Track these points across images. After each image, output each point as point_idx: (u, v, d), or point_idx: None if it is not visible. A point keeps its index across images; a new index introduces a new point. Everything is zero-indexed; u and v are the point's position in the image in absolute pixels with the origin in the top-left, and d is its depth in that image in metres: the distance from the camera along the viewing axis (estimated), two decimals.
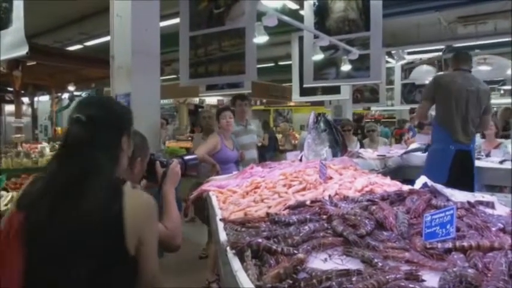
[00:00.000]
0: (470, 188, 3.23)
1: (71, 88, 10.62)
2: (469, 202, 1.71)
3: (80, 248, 1.15)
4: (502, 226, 1.42)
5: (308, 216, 1.61)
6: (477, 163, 4.18)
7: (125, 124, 1.40)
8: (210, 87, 7.15)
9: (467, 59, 3.80)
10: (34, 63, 7.78)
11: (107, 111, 1.36)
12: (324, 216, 1.61)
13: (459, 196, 1.88)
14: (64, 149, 1.28)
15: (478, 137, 5.61)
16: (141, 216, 1.24)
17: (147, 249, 1.25)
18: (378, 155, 4.31)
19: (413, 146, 4.77)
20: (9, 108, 11.38)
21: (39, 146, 7.09)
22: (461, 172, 3.47)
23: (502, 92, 13.31)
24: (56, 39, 9.00)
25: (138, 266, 1.23)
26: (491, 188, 3.82)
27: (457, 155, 3.54)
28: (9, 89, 10.18)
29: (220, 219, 1.76)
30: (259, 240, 1.33)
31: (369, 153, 4.47)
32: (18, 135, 7.16)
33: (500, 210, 1.75)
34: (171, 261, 4.43)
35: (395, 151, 4.68)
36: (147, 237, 1.25)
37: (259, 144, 7.57)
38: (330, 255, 1.31)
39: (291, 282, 1.10)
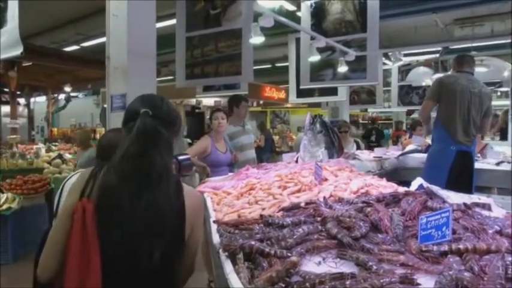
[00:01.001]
0: (469, 189, 3.24)
1: (67, 89, 10.60)
2: (465, 204, 1.68)
3: (155, 235, 1.27)
4: (498, 228, 1.40)
5: (302, 218, 1.58)
6: (476, 165, 4.19)
7: (178, 124, 1.48)
8: (207, 89, 7.14)
9: (470, 61, 3.83)
10: (30, 63, 7.76)
11: (167, 110, 1.43)
12: (319, 218, 1.59)
13: (455, 198, 1.86)
14: (134, 142, 1.30)
15: None
16: (195, 209, 1.40)
17: (195, 237, 1.42)
18: (374, 157, 4.30)
19: (409, 147, 4.76)
20: (6, 109, 11.32)
21: (34, 146, 7.06)
22: (461, 173, 3.49)
23: (498, 93, 13.32)
24: (53, 39, 8.96)
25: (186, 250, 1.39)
26: (487, 190, 3.82)
27: (458, 155, 3.55)
28: (5, 89, 10.14)
29: (214, 221, 1.74)
30: (252, 242, 1.31)
31: (365, 154, 4.46)
32: (14, 136, 7.12)
33: (497, 212, 1.73)
34: None
35: (392, 153, 4.67)
36: (197, 226, 1.42)
37: (255, 145, 7.55)
38: (323, 258, 1.28)
39: (283, 285, 1.08)
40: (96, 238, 1.22)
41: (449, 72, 9.01)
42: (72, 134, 9.17)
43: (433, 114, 3.92)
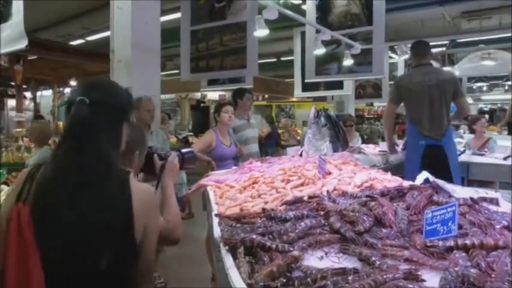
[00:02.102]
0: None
1: (72, 83, 10.61)
2: (471, 198, 1.65)
3: (99, 238, 1.13)
4: (506, 224, 1.37)
5: (305, 212, 1.56)
6: (482, 159, 4.17)
7: (127, 109, 1.34)
8: (212, 82, 7.10)
9: (424, 51, 3.85)
10: (36, 57, 7.77)
11: (111, 94, 1.28)
12: (322, 213, 1.56)
13: (461, 192, 1.83)
14: (70, 135, 1.19)
15: (467, 133, 5.63)
16: (146, 207, 1.23)
17: (149, 238, 1.25)
18: (379, 151, 4.26)
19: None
20: (12, 102, 11.39)
21: None
22: (433, 166, 3.43)
23: (506, 87, 13.19)
24: (58, 33, 8.96)
25: (140, 253, 1.23)
26: (493, 184, 3.80)
27: (427, 150, 3.58)
28: (11, 83, 10.19)
29: (216, 215, 1.72)
30: (253, 236, 1.29)
31: (370, 148, 4.42)
32: (19, 130, 7.16)
33: (505, 207, 1.69)
34: (171, 256, 4.42)
35: (400, 146, 4.61)
36: (151, 226, 1.25)
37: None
38: (326, 253, 1.26)
39: (284, 280, 1.06)
40: (35, 247, 1.08)
41: (455, 66, 8.97)
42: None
43: None
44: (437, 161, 3.53)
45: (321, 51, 5.25)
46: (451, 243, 1.20)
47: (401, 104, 3.92)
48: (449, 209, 1.27)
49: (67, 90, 12.61)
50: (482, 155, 4.42)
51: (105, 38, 6.89)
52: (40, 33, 8.61)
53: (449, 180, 3.40)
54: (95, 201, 1.14)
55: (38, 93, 12.36)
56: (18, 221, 1.09)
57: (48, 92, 12.79)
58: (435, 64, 8.43)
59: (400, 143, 5.06)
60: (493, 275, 1.00)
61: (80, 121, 1.17)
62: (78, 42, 9.52)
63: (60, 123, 12.23)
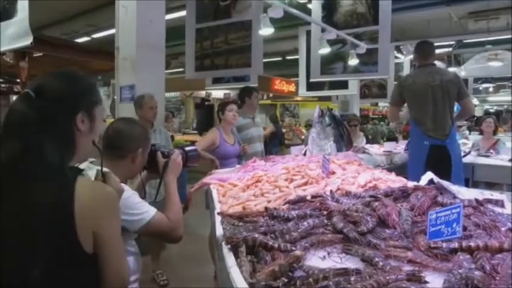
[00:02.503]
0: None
1: None
2: (476, 200, 1.63)
3: (30, 244, 1.00)
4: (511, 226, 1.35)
5: (308, 212, 1.55)
6: (487, 161, 4.14)
7: (80, 100, 1.17)
8: (216, 81, 7.11)
9: (428, 52, 3.81)
10: (41, 54, 7.79)
11: (60, 85, 1.15)
12: (325, 212, 1.55)
13: (466, 193, 1.81)
14: (3, 129, 1.07)
15: (475, 134, 5.60)
16: (95, 209, 1.07)
17: (108, 247, 1.10)
18: (384, 151, 4.24)
19: None
20: None
21: None
22: (437, 166, 3.37)
23: None
24: (64, 31, 8.99)
25: (100, 265, 1.10)
26: (499, 186, 3.76)
27: (432, 150, 3.55)
28: (17, 80, 10.23)
29: (218, 213, 1.72)
30: (255, 235, 1.28)
31: (375, 148, 4.40)
32: None
33: (510, 209, 1.68)
34: (173, 254, 4.42)
35: (402, 147, 4.60)
36: (105, 232, 1.09)
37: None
38: (328, 253, 1.25)
39: (286, 280, 1.05)
40: None
41: (462, 67, 8.91)
42: None
43: None
44: (441, 161, 3.50)
45: (326, 50, 5.23)
46: (455, 244, 1.19)
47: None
48: (454, 210, 1.25)
49: None
50: (487, 156, 4.39)
51: (111, 35, 6.91)
52: (45, 30, 8.64)
53: (451, 180, 3.44)
54: (19, 201, 1.02)
55: None
56: None
57: None
58: (440, 64, 8.40)
59: (405, 143, 5.05)
60: (497, 278, 0.98)
61: (13, 113, 1.07)
62: (84, 40, 9.54)
63: None
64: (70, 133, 1.14)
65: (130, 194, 1.58)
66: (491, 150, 4.67)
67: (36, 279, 0.98)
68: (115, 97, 4.64)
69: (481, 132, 5.43)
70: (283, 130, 10.75)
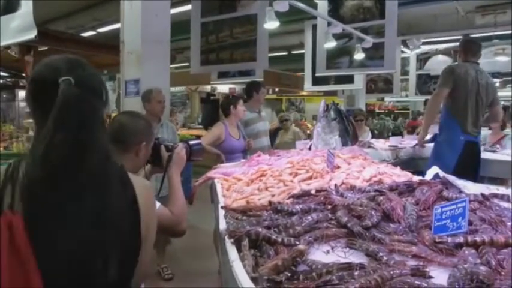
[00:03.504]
0: (475, 179, 3.21)
1: None
2: (482, 194, 1.62)
3: (107, 244, 0.95)
4: None
5: (312, 206, 1.54)
6: (494, 156, 4.11)
7: (106, 93, 1.08)
8: (222, 75, 7.09)
9: (477, 50, 3.81)
10: (46, 48, 7.80)
11: (92, 73, 1.05)
12: (329, 206, 1.55)
13: (472, 188, 1.79)
14: (58, 125, 0.90)
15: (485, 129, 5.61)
16: (148, 203, 1.09)
17: (150, 235, 1.10)
18: (389, 146, 4.21)
19: (427, 137, 4.65)
20: (23, 93, 11.49)
21: None
22: (468, 163, 3.50)
23: None
24: (69, 25, 9.00)
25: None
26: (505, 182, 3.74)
27: (467, 146, 3.55)
28: (22, 74, 10.26)
29: (222, 207, 1.71)
30: (259, 229, 1.27)
31: (380, 143, 4.37)
32: (30, 120, 7.21)
33: None
34: (178, 248, 4.44)
35: (408, 142, 4.57)
36: (152, 222, 1.11)
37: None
38: (332, 247, 1.24)
39: (289, 274, 1.04)
40: (35, 264, 0.85)
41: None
42: None
43: None
44: (473, 157, 3.58)
45: (331, 44, 5.20)
46: (461, 239, 1.17)
47: (421, 99, 3.88)
48: (459, 205, 1.24)
49: None
50: (493, 151, 4.35)
51: (116, 29, 6.91)
52: (51, 24, 8.65)
53: (477, 177, 3.44)
54: (99, 202, 0.94)
55: None
56: (9, 232, 0.85)
57: None
58: (447, 59, 8.34)
59: (410, 138, 5.02)
60: (503, 273, 0.97)
61: (74, 107, 0.92)
62: (89, 34, 9.55)
63: None
64: (104, 127, 1.07)
65: None
66: (497, 145, 4.64)
67: (113, 281, 0.95)
68: (120, 91, 4.65)
69: (490, 127, 5.42)
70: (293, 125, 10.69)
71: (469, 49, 3.79)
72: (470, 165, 3.50)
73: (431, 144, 4.02)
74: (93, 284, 0.93)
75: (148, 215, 1.06)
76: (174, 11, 5.03)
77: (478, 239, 1.16)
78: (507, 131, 5.70)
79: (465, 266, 1.01)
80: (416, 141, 4.25)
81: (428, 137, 4.28)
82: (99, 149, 0.96)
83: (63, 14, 8.56)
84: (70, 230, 0.90)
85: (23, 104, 10.26)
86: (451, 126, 3.64)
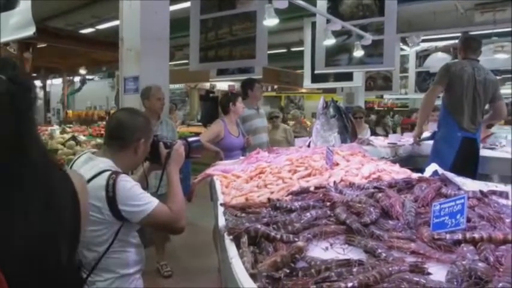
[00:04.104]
0: (473, 176, 3.23)
1: (82, 71, 10.65)
2: (481, 191, 1.62)
3: (57, 238, 0.95)
4: None
5: (311, 203, 1.54)
6: (491, 153, 4.12)
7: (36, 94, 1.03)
8: (221, 72, 7.08)
9: (477, 47, 3.82)
10: (45, 45, 7.78)
11: (24, 73, 1.04)
12: (328, 203, 1.55)
13: (471, 185, 1.80)
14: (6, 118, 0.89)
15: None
16: (84, 193, 1.07)
17: (84, 223, 1.07)
18: (388, 143, 4.22)
19: (425, 134, 4.66)
20: None
21: (49, 128, 7.13)
22: (467, 159, 3.52)
23: None
24: (68, 22, 8.99)
25: None
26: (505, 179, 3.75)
27: (464, 142, 3.57)
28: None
29: (221, 204, 1.71)
30: (258, 226, 1.27)
31: (379, 141, 4.38)
32: None
33: None
34: (177, 246, 4.44)
35: (407, 139, 4.58)
36: (86, 212, 1.08)
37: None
38: (331, 244, 1.24)
39: (288, 271, 1.05)
40: None
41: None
42: None
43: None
44: (471, 154, 3.59)
45: (331, 41, 5.19)
46: (459, 236, 1.18)
47: (420, 97, 3.86)
48: (458, 202, 1.24)
49: (77, 78, 12.67)
50: (492, 148, 4.35)
51: (115, 26, 6.90)
52: (49, 21, 8.63)
53: (476, 173, 3.45)
54: (46, 196, 0.94)
55: (48, 82, 12.43)
56: None
57: (58, 81, 12.86)
58: (446, 56, 8.33)
59: (409, 135, 5.02)
60: (501, 270, 0.97)
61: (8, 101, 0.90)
62: (88, 31, 9.54)
63: (70, 112, 12.33)
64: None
65: (132, 185, 1.58)
66: (497, 143, 4.66)
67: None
68: (119, 88, 4.64)
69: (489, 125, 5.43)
70: (291, 122, 10.67)
71: (469, 46, 3.80)
72: (468, 162, 3.51)
73: (431, 142, 4.03)
74: (47, 269, 0.93)
75: (84, 205, 1.05)
76: (173, 8, 5.03)
77: (476, 235, 1.17)
78: (494, 129, 5.70)
79: (463, 262, 1.02)
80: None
81: (428, 134, 4.28)
82: (38, 143, 0.95)
83: (62, 11, 8.54)
84: (21, 222, 0.89)
85: None
86: (448, 123, 3.67)
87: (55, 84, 13.33)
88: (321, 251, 1.21)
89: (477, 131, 3.68)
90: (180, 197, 1.74)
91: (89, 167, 1.62)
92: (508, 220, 1.31)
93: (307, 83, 7.57)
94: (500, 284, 0.89)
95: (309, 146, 3.47)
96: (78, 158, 1.76)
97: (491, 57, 8.24)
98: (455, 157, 3.44)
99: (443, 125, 3.76)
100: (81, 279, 1.22)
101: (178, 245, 4.42)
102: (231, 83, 12.85)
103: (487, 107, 3.88)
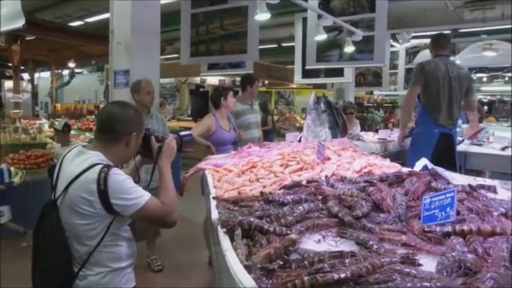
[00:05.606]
0: (452, 170, 3.30)
1: (71, 65, 10.52)
2: (470, 185, 1.65)
3: None
4: (504, 211, 1.37)
5: (303, 197, 1.56)
6: (479, 149, 4.19)
7: None
8: (212, 67, 7.04)
9: (446, 44, 3.93)
10: (33, 38, 7.69)
11: None
12: (320, 197, 1.56)
13: (460, 179, 1.83)
14: None
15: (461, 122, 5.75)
16: None
17: None
18: (378, 139, 4.25)
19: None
20: (9, 84, 11.31)
21: (37, 122, 7.05)
22: (444, 154, 3.58)
23: (506, 79, 13.12)
24: (57, 15, 8.86)
25: None
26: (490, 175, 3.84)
27: (441, 138, 3.65)
28: (9, 64, 10.09)
29: (213, 198, 1.72)
30: (251, 219, 1.28)
31: (369, 136, 4.41)
32: (17, 111, 7.12)
33: (503, 194, 1.70)
34: (168, 240, 4.44)
35: (397, 135, 4.61)
36: None
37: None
38: (323, 237, 1.26)
39: (281, 263, 1.06)
40: None
41: (457, 56, 8.92)
42: None
43: None
44: (448, 149, 3.65)
45: (322, 37, 5.20)
46: (449, 228, 1.20)
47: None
48: (447, 195, 1.27)
49: (65, 72, 12.52)
50: (480, 145, 4.43)
51: (105, 20, 6.82)
52: (38, 13, 8.50)
53: (454, 168, 3.51)
54: None
55: (36, 75, 12.26)
56: None
57: (46, 74, 12.70)
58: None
59: (397, 131, 5.06)
60: (489, 261, 1.00)
61: None
62: (77, 24, 9.42)
63: (59, 106, 12.19)
64: None
65: (124, 179, 1.57)
66: (474, 139, 4.77)
67: None
68: (109, 82, 4.60)
69: (468, 121, 5.55)
70: (276, 118, 10.65)
71: (439, 43, 3.89)
72: (445, 157, 3.56)
73: None
74: None
75: None
76: (164, 1, 5.00)
77: (465, 228, 1.19)
78: (493, 124, 5.83)
79: (453, 254, 1.04)
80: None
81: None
82: None
83: (51, 3, 8.42)
84: None
85: (9, 94, 10.09)
86: (426, 120, 3.76)
87: (43, 77, 13.17)
88: (314, 244, 1.22)
89: (454, 126, 3.77)
90: (172, 190, 1.73)
91: (80, 160, 1.61)
92: (496, 213, 1.34)
93: (297, 78, 7.57)
94: (489, 275, 0.90)
95: (299, 141, 3.49)
96: (69, 151, 1.74)
97: (480, 55, 8.34)
98: (433, 153, 3.49)
99: (420, 122, 3.87)
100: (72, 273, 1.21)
101: (169, 239, 4.43)
102: (222, 78, 12.82)
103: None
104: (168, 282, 3.63)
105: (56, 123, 6.14)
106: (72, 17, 9.01)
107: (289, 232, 1.23)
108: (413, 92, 3.84)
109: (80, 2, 8.10)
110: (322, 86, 10.15)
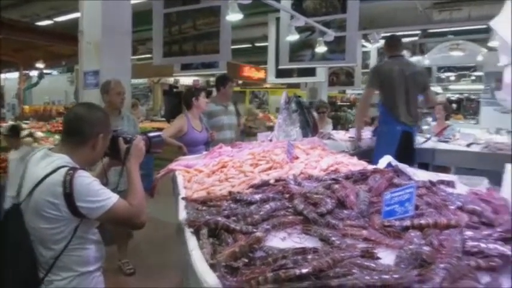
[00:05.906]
0: (411, 165, 3.44)
1: (39, 65, 10.24)
2: (430, 181, 1.71)
3: None
4: (460, 204, 1.43)
5: (271, 195, 1.58)
6: (446, 146, 4.33)
7: None
8: (185, 67, 7.00)
9: (398, 44, 4.11)
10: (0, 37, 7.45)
11: None
12: (287, 195, 1.59)
13: (421, 175, 1.89)
14: None
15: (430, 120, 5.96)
16: None
17: None
18: (349, 137, 4.33)
19: (366, 133, 4.82)
20: None
21: (3, 124, 6.84)
22: (405, 152, 3.70)
23: (473, 78, 13.53)
24: (24, 13, 8.62)
25: None
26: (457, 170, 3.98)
27: (403, 135, 3.79)
28: None
29: (182, 198, 1.73)
30: (218, 218, 1.30)
31: (340, 134, 4.48)
32: None
33: (461, 189, 1.77)
34: (140, 242, 4.40)
35: (367, 133, 4.71)
36: None
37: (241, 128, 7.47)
38: (289, 234, 1.29)
39: (246, 260, 1.08)
40: None
41: (425, 56, 9.16)
42: None
43: None
44: (408, 146, 3.79)
45: (294, 37, 5.25)
46: (407, 223, 1.25)
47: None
48: (407, 191, 1.32)
49: (34, 73, 12.19)
50: (446, 141, 4.57)
51: (74, 19, 6.69)
52: (4, 12, 8.25)
53: (413, 162, 3.65)
54: None
55: (2, 76, 11.89)
56: None
57: (13, 75, 12.33)
58: (405, 53, 8.60)
59: (370, 129, 5.17)
60: (443, 252, 1.05)
61: None
62: (46, 23, 9.19)
63: (27, 107, 11.86)
64: None
65: (90, 181, 1.56)
66: (440, 136, 4.92)
67: None
68: (79, 83, 4.52)
69: (435, 118, 5.75)
70: (246, 117, 10.59)
71: (393, 45, 4.08)
72: (406, 154, 3.70)
73: None
74: None
75: None
76: (135, 1, 4.94)
77: (423, 221, 1.25)
78: (460, 122, 6.02)
79: (410, 247, 1.09)
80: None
81: (369, 132, 4.50)
82: None
83: (17, 2, 8.18)
84: None
85: None
86: (387, 119, 3.91)
87: (10, 78, 12.77)
88: (279, 241, 1.25)
89: (415, 123, 3.92)
90: (140, 192, 1.73)
91: (46, 163, 1.59)
92: (452, 207, 1.40)
93: (271, 78, 7.61)
94: (442, 265, 0.95)
95: (271, 140, 3.52)
96: (34, 154, 1.71)
97: (448, 55, 8.59)
98: (396, 149, 3.60)
99: (383, 122, 4.01)
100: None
101: (140, 241, 4.38)
102: (196, 78, 12.74)
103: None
104: (140, 285, 3.60)
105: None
106: (41, 16, 8.79)
107: (255, 230, 1.26)
108: (368, 93, 4.04)
109: (49, 1, 7.91)
110: (296, 86, 10.24)
